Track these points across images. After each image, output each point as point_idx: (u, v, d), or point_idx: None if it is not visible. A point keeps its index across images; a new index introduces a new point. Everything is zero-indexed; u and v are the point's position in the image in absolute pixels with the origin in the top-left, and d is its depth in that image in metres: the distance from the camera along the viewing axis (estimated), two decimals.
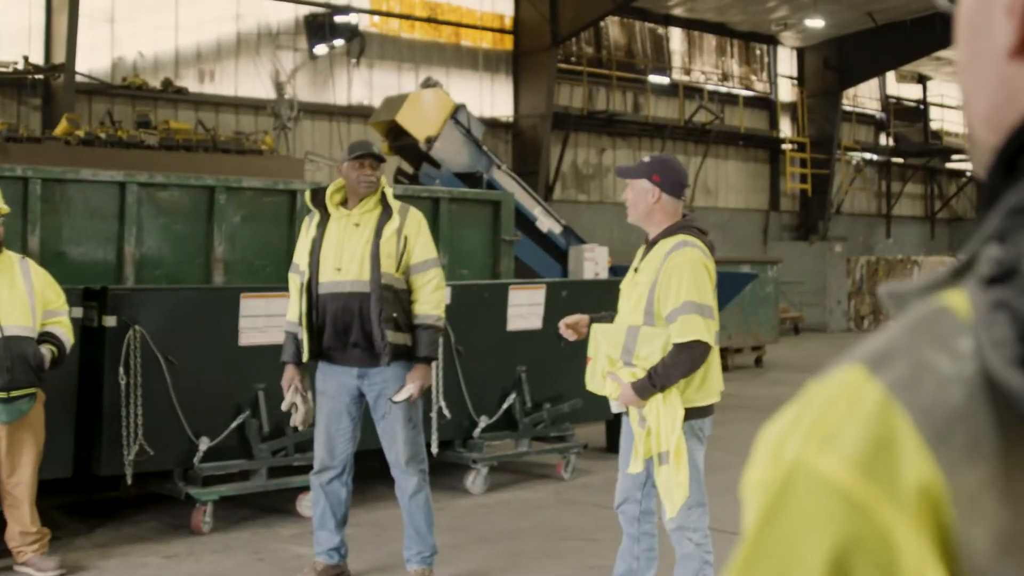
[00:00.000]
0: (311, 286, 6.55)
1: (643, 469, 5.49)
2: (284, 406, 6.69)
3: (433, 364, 6.92)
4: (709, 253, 5.54)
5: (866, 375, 0.82)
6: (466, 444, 9.59)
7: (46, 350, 6.87)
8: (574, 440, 10.26)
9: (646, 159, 5.77)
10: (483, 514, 8.74)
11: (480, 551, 7.67)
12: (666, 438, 5.29)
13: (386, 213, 6.57)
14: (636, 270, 5.59)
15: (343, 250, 6.49)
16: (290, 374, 6.67)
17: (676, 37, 33.15)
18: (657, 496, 5.62)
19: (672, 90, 32.40)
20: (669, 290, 5.32)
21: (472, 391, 9.36)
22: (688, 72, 33.45)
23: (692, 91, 32.84)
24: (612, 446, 11.32)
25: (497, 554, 7.55)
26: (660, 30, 32.62)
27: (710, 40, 34.12)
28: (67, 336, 7.06)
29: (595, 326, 5.68)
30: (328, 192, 6.67)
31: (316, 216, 6.68)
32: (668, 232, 5.52)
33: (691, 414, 5.41)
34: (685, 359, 5.28)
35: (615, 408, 5.62)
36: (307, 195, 6.79)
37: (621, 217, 23.17)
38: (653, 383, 5.28)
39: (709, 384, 5.50)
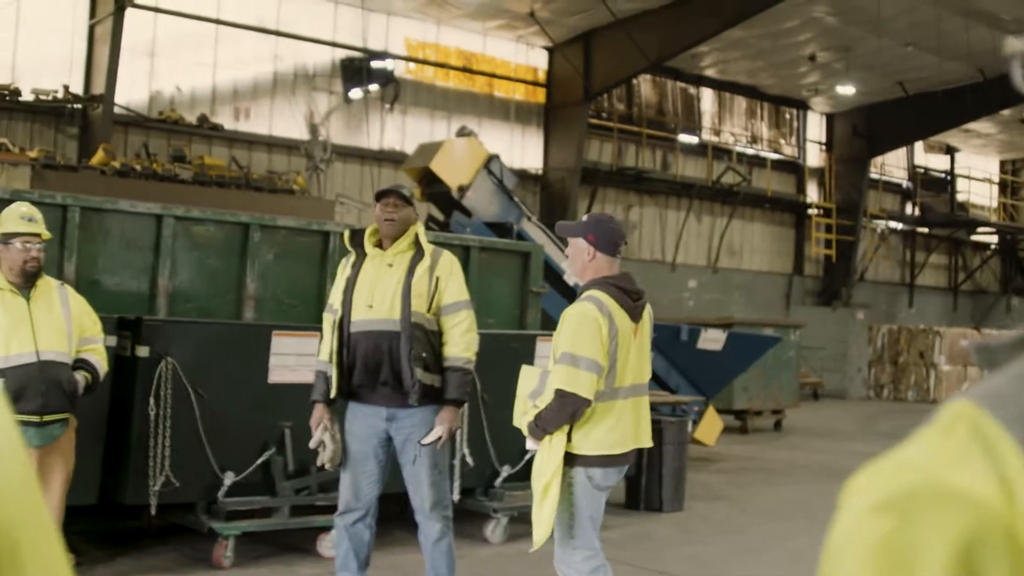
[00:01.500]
0: (343, 324, 6.60)
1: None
2: (312, 444, 6.71)
3: (461, 408, 6.92)
4: (617, 309, 5.71)
5: (979, 410, 0.88)
6: (487, 493, 9.60)
7: (80, 376, 6.94)
8: None
9: (584, 218, 6.03)
10: (502, 563, 8.75)
11: None
12: (540, 476, 5.62)
13: (419, 254, 6.63)
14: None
15: (375, 288, 6.54)
16: (319, 413, 6.70)
17: (707, 97, 33.32)
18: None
19: (701, 150, 32.53)
20: (557, 340, 5.68)
21: (496, 440, 9.39)
22: (718, 133, 33.59)
23: (721, 152, 32.96)
24: (631, 502, 11.34)
25: None
26: (692, 90, 32.80)
27: (741, 102, 34.27)
28: (101, 364, 7.12)
29: (522, 369, 6.11)
30: (366, 233, 6.74)
31: (352, 256, 6.75)
32: (586, 287, 5.83)
33: (581, 461, 5.65)
34: (557, 407, 5.55)
35: (529, 445, 5.88)
36: (346, 235, 6.85)
37: (645, 273, 23.37)
38: (537, 425, 5.63)
39: (603, 435, 5.67)
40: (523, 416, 5.82)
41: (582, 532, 5.73)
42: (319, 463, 6.77)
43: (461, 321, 6.60)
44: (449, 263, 6.67)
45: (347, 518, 6.75)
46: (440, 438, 6.48)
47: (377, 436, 6.63)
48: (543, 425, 5.58)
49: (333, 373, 6.62)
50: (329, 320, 6.72)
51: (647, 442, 5.94)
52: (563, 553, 5.76)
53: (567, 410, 5.54)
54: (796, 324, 21.98)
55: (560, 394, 5.53)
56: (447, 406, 6.52)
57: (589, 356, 5.55)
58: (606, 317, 5.65)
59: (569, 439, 5.63)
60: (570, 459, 5.61)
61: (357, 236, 6.78)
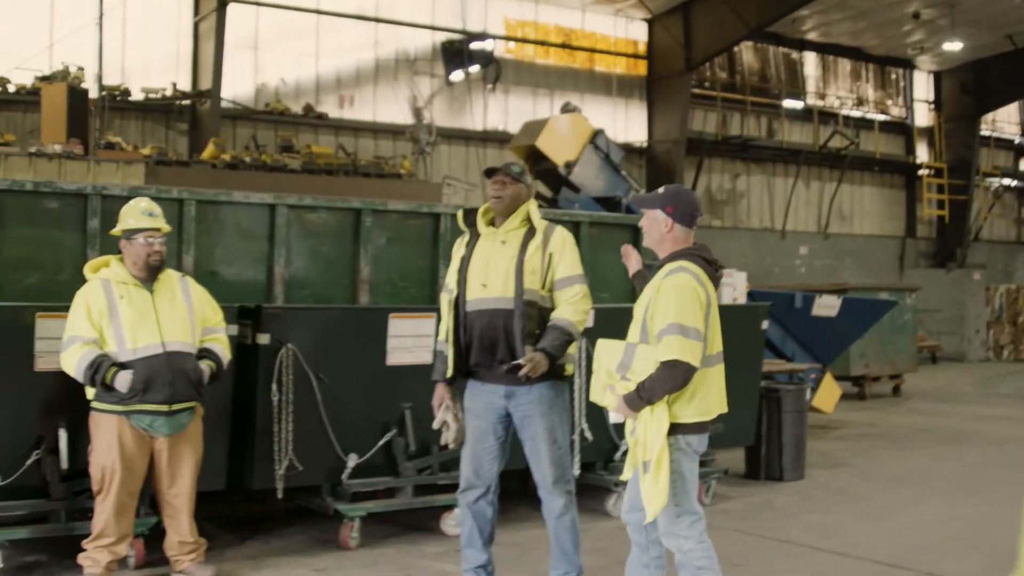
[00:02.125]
0: (459, 304, 6.65)
1: (631, 477, 5.86)
2: (436, 424, 6.76)
3: (568, 374, 6.74)
4: (707, 280, 5.83)
5: None
6: (607, 467, 9.61)
7: (205, 366, 7.09)
8: (715, 465, 10.22)
9: (661, 190, 6.07)
10: (624, 537, 8.68)
11: (622, 573, 7.69)
12: (650, 448, 5.61)
13: (531, 231, 6.65)
14: (641, 291, 5.97)
15: (489, 267, 6.56)
16: (440, 392, 6.75)
17: (810, 61, 32.88)
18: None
19: (806, 115, 32.13)
20: (658, 311, 5.66)
21: None
22: (823, 97, 33.15)
23: (827, 116, 32.53)
24: (751, 471, 11.28)
25: None
26: (794, 55, 32.39)
27: (845, 64, 33.77)
28: (224, 353, 7.27)
29: (599, 342, 6.05)
30: (479, 212, 6.78)
31: (466, 236, 6.78)
32: (671, 258, 5.86)
33: (681, 429, 5.70)
34: (667, 376, 5.58)
35: (612, 419, 5.94)
36: (459, 215, 6.89)
37: (756, 242, 23.18)
38: (640, 396, 5.62)
39: (698, 403, 5.75)
40: (606, 389, 5.83)
41: (686, 499, 5.78)
42: (443, 443, 6.83)
43: (575, 294, 6.59)
44: (562, 239, 6.67)
45: (469, 495, 6.81)
46: (523, 368, 6.41)
47: (496, 413, 6.67)
48: (647, 395, 5.60)
49: (450, 352, 6.67)
50: (446, 300, 6.77)
51: (725, 407, 5.98)
52: (668, 523, 5.77)
53: (677, 379, 5.59)
54: (911, 287, 21.63)
55: (671, 363, 5.56)
56: (540, 352, 6.46)
57: (694, 325, 5.62)
58: (702, 287, 5.74)
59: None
60: (672, 428, 5.66)
61: (470, 215, 6.82)
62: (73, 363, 6.79)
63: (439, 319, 6.90)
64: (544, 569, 6.98)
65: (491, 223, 6.74)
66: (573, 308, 6.57)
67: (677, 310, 5.60)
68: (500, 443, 6.75)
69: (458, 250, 6.79)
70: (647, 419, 5.63)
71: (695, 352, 5.61)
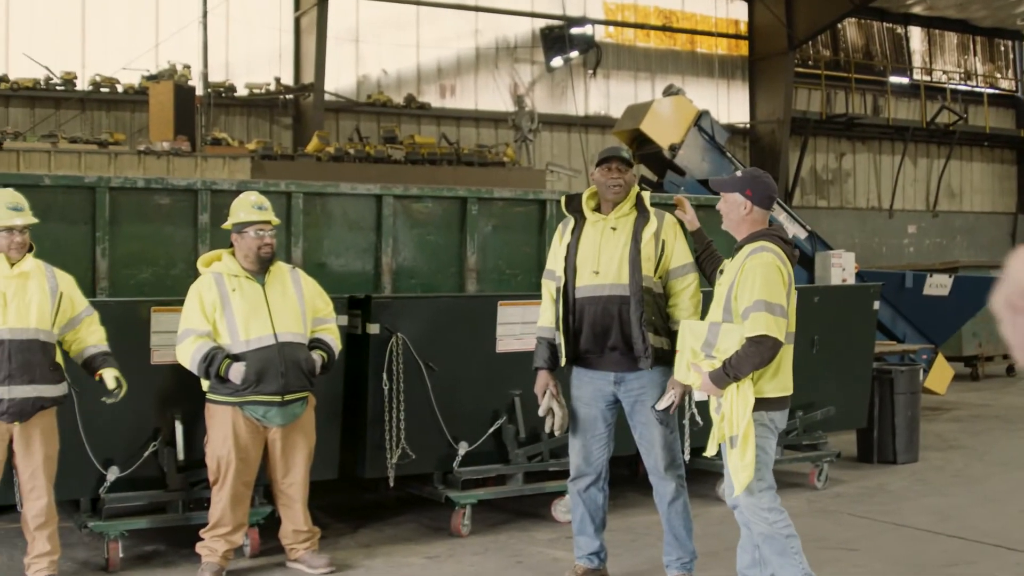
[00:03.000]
0: (567, 290, 6.62)
1: (715, 453, 5.95)
2: (541, 412, 6.76)
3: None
4: (786, 259, 5.89)
5: None
6: (719, 452, 9.53)
7: (317, 356, 7.16)
8: (827, 449, 10.09)
9: (739, 173, 6.16)
10: (736, 522, 8.67)
11: (735, 559, 7.63)
12: (736, 423, 5.70)
13: (643, 217, 6.59)
14: (722, 272, 6.04)
15: (601, 253, 6.53)
16: (544, 379, 6.73)
17: (916, 36, 32.32)
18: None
19: (913, 91, 31.59)
20: (744, 290, 5.73)
21: None
22: (929, 72, 32.56)
23: (934, 91, 31.94)
24: (864, 455, 11.13)
25: None
26: (899, 29, 31.86)
27: (951, 38, 33.14)
28: (335, 343, 7.33)
29: (683, 322, 6.19)
30: (584, 197, 6.74)
31: (571, 222, 6.73)
32: (750, 238, 5.92)
33: (763, 404, 5.79)
34: (754, 352, 5.67)
35: (697, 396, 6.04)
36: (562, 201, 6.86)
37: (863, 222, 22.84)
38: (727, 373, 5.70)
39: (780, 379, 5.86)
40: (691, 368, 5.89)
41: (767, 473, 5.88)
42: (547, 430, 6.83)
43: (689, 285, 6.56)
44: (673, 226, 6.64)
45: (580, 483, 6.80)
46: (673, 403, 6.45)
47: (605, 400, 6.65)
48: (735, 372, 5.66)
49: (560, 340, 6.65)
50: (550, 287, 6.75)
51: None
52: (749, 499, 5.83)
53: (765, 355, 5.67)
54: None
55: (759, 339, 5.63)
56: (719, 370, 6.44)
57: (779, 302, 5.71)
58: (784, 266, 5.82)
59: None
60: (755, 404, 5.73)
61: (574, 201, 6.78)
62: (188, 356, 6.91)
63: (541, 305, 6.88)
64: (656, 554, 6.95)
65: (596, 209, 6.70)
66: (693, 306, 6.58)
67: (763, 287, 5.67)
68: (609, 430, 6.74)
69: (562, 236, 6.74)
70: (733, 395, 5.71)
71: (781, 328, 5.70)
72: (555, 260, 6.76)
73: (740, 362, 5.65)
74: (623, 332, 6.46)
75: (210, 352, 6.86)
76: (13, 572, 6.96)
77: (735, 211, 5.94)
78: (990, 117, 32.98)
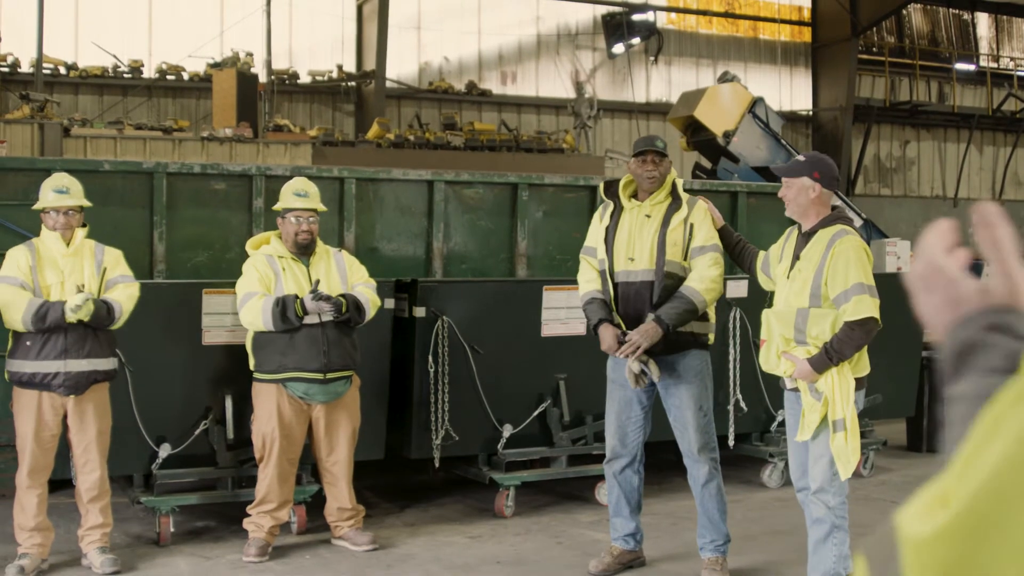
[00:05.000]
0: (606, 276, 6.73)
1: (811, 438, 5.89)
2: (635, 368, 6.58)
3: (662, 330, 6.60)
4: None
5: None
6: (763, 437, 9.60)
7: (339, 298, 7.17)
8: (873, 437, 10.09)
9: (801, 158, 6.23)
10: (778, 508, 8.75)
11: (774, 544, 7.70)
12: (841, 407, 5.74)
13: (675, 204, 6.69)
14: (798, 258, 5.96)
15: (635, 240, 6.64)
16: (611, 331, 6.61)
17: (983, 22, 31.92)
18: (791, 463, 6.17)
19: (979, 78, 31.21)
20: (837, 274, 5.75)
21: (769, 384, 9.34)
22: (996, 58, 32.15)
23: (1001, 78, 31.52)
24: (912, 444, 11.11)
25: (791, 547, 7.52)
26: (966, 15, 31.49)
27: (1020, 24, 32.68)
28: (366, 298, 7.28)
29: (766, 312, 6.15)
30: (621, 185, 6.84)
31: (610, 207, 6.85)
32: (826, 222, 5.95)
33: (857, 384, 5.87)
34: (859, 335, 5.71)
35: (790, 385, 6.01)
36: (600, 187, 6.99)
37: (926, 210, 22.61)
38: (829, 357, 5.72)
39: (863, 359, 5.91)
40: (781, 356, 5.90)
41: None
42: (647, 383, 6.69)
43: (707, 263, 6.60)
44: (702, 210, 6.73)
45: (615, 465, 6.91)
46: (634, 345, 6.43)
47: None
48: (838, 356, 5.70)
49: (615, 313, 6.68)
50: (591, 261, 6.82)
51: None
52: (826, 479, 5.87)
53: (869, 336, 5.76)
54: None
55: (864, 321, 5.68)
56: (652, 322, 6.48)
57: (873, 284, 5.78)
58: (869, 248, 5.91)
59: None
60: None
61: (612, 187, 6.89)
62: (257, 312, 7.02)
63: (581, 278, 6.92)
64: (694, 538, 7.03)
65: (633, 195, 6.81)
66: (700, 276, 6.59)
67: (858, 270, 5.74)
68: (645, 412, 6.83)
69: (600, 220, 6.85)
70: (835, 379, 5.76)
71: (878, 309, 5.76)
72: (595, 240, 6.85)
73: (843, 346, 5.69)
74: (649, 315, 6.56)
75: (279, 299, 7.00)
76: (69, 544, 7.19)
77: (803, 195, 5.96)
78: None
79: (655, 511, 8.22)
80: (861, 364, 5.88)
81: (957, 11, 31.21)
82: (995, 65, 31.94)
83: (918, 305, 1.29)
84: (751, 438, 9.59)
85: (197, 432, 7.53)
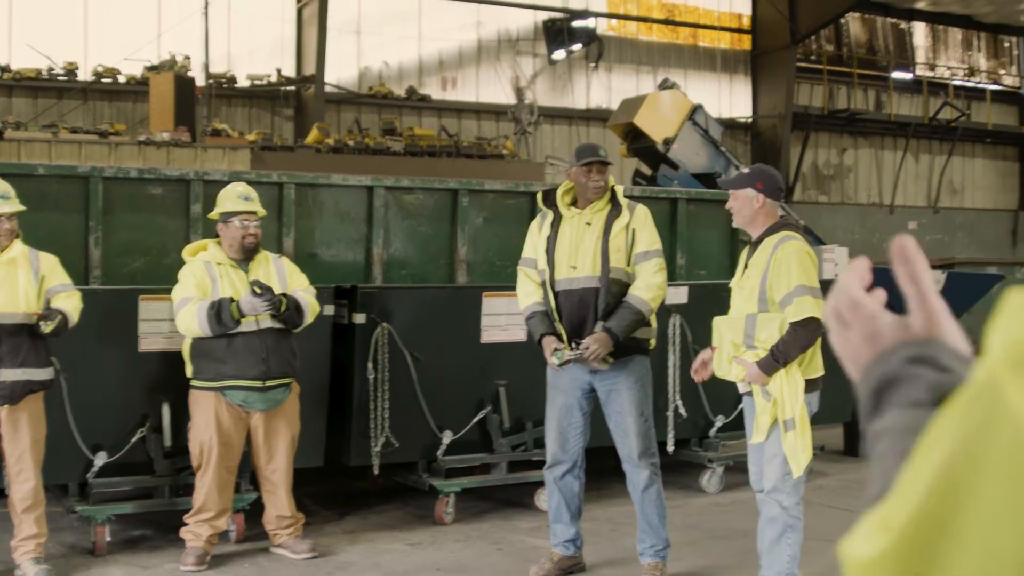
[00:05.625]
0: (547, 285, 6.73)
1: (765, 439, 5.95)
2: (558, 363, 6.60)
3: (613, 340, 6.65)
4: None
5: None
6: (702, 443, 9.64)
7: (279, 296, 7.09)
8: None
9: (746, 170, 6.39)
10: (717, 513, 8.79)
11: (714, 548, 7.74)
12: (790, 407, 5.81)
13: (615, 210, 6.71)
14: (746, 266, 6.08)
15: (577, 249, 6.65)
16: (551, 341, 6.63)
17: (920, 32, 32.33)
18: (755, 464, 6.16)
19: (916, 87, 31.61)
20: (780, 278, 5.86)
21: (708, 390, 9.38)
22: (932, 68, 32.58)
23: (937, 87, 31.96)
24: (849, 448, 11.21)
25: (731, 552, 7.58)
26: (903, 25, 31.87)
27: (955, 34, 33.14)
28: (304, 299, 7.22)
29: (717, 319, 6.23)
30: (559, 193, 6.84)
31: (549, 216, 6.84)
32: (771, 231, 6.04)
33: (809, 385, 5.91)
34: (803, 335, 5.79)
35: (742, 388, 6.10)
36: (539, 196, 6.99)
37: (863, 218, 22.86)
38: (776, 359, 5.81)
39: (815, 361, 5.95)
40: (732, 362, 5.98)
41: None
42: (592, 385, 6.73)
43: (651, 269, 6.63)
44: (643, 215, 6.75)
45: (556, 471, 6.91)
46: (590, 352, 6.46)
47: (581, 388, 6.76)
48: (784, 357, 5.78)
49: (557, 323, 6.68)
50: (529, 272, 6.82)
51: None
52: (780, 479, 5.93)
53: (812, 337, 5.81)
54: (1022, 262, 21.23)
55: (805, 322, 5.75)
56: (603, 332, 6.50)
57: (816, 285, 5.85)
58: (812, 251, 6.01)
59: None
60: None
61: (550, 196, 6.89)
62: (192, 317, 6.93)
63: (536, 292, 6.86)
64: (634, 543, 7.04)
65: (572, 203, 6.81)
66: (646, 284, 6.62)
67: (800, 272, 5.83)
68: (585, 418, 6.85)
69: (539, 229, 6.85)
70: (783, 380, 5.83)
71: (821, 310, 5.71)
72: (534, 250, 6.85)
73: (788, 347, 5.78)
74: (597, 323, 6.57)
75: (214, 302, 6.93)
76: (2, 554, 7.07)
77: (747, 206, 6.07)
78: (993, 114, 32.97)
79: (595, 516, 8.23)
80: (813, 365, 5.94)
81: (895, 20, 31.59)
82: (931, 74, 32.35)
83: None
84: (690, 443, 9.63)
85: (134, 440, 7.44)
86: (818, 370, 5.99)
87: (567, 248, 6.68)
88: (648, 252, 6.67)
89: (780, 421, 5.84)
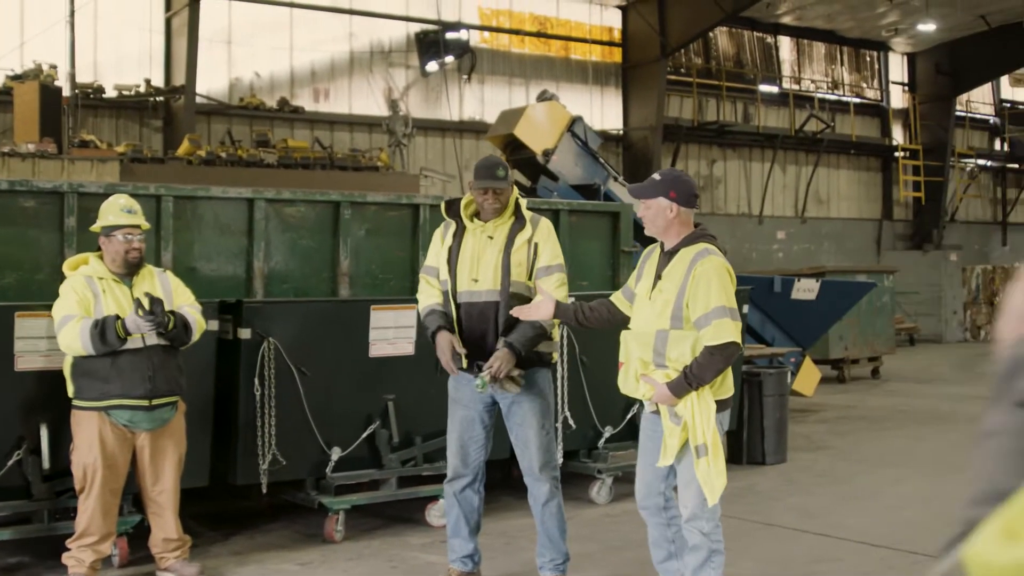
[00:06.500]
0: (448, 296, 6.64)
1: (674, 462, 5.78)
2: (452, 365, 6.55)
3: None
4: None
5: None
6: (591, 454, 9.63)
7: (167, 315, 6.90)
8: None
9: (657, 177, 6.02)
10: (610, 523, 8.78)
11: (610, 559, 7.72)
12: (703, 432, 5.62)
13: (519, 223, 6.65)
14: (660, 277, 5.85)
15: (479, 262, 6.57)
16: (447, 338, 6.54)
17: (785, 46, 32.94)
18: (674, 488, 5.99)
19: (782, 99, 32.19)
20: (698, 296, 5.64)
21: (596, 401, 9.39)
22: (798, 81, 33.20)
23: (802, 100, 32.58)
24: (733, 456, 11.30)
25: (627, 562, 7.57)
26: (769, 39, 32.44)
27: (820, 48, 33.84)
28: (193, 317, 7.05)
29: (624, 333, 6.02)
30: (462, 203, 6.75)
31: (452, 226, 6.75)
32: (688, 241, 5.85)
33: (720, 406, 5.77)
34: (719, 359, 5.61)
35: (649, 408, 5.93)
36: (442, 206, 6.85)
37: (733, 228, 23.22)
38: (688, 382, 5.61)
39: (727, 381, 5.80)
40: (639, 379, 5.78)
41: None
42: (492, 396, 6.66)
43: (553, 284, 6.55)
44: (547, 229, 6.70)
45: (456, 485, 6.82)
46: (492, 369, 6.39)
47: (483, 401, 6.69)
48: (697, 380, 5.58)
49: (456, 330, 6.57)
50: (432, 282, 6.70)
51: None
52: (699, 507, 5.75)
53: (729, 361, 5.65)
54: (889, 269, 21.72)
55: (725, 346, 5.58)
56: (505, 348, 6.43)
57: (735, 306, 5.69)
58: (730, 268, 5.82)
59: None
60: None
61: (454, 206, 6.79)
62: (75, 335, 6.69)
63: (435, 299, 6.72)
64: (531, 557, 6.99)
65: (475, 214, 6.73)
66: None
67: (719, 292, 5.62)
68: (487, 431, 6.78)
69: (442, 239, 6.75)
70: (694, 403, 5.63)
71: (740, 332, 5.69)
72: (437, 259, 6.74)
73: (703, 370, 5.57)
74: (498, 335, 6.50)
75: (98, 320, 6.70)
76: None
77: (661, 216, 5.84)
78: (856, 126, 33.72)
79: (487, 530, 8.10)
80: (725, 386, 5.77)
81: (761, 35, 32.12)
82: (797, 87, 32.96)
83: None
84: (579, 455, 9.61)
85: (10, 463, 7.15)
86: (729, 390, 5.82)
87: (469, 260, 6.59)
88: (550, 267, 6.61)
89: (692, 447, 5.65)
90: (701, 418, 5.62)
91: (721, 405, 5.76)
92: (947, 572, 0.92)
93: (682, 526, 5.89)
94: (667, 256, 5.89)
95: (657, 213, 5.87)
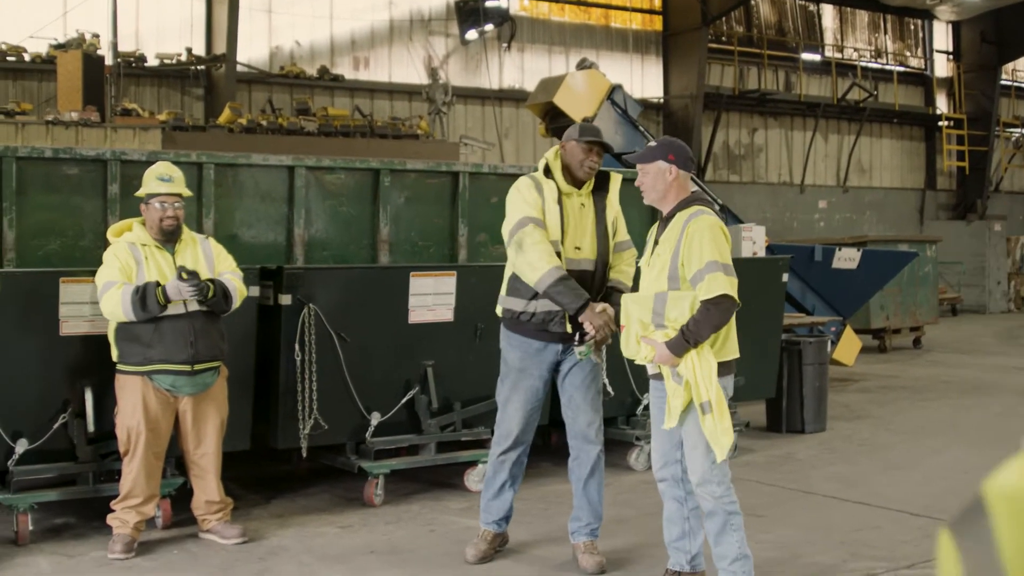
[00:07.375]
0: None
1: (677, 426, 5.76)
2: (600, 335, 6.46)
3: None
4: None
5: None
6: (629, 421, 9.66)
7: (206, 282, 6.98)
8: (736, 418, 10.21)
9: (653, 143, 6.11)
10: (646, 490, 8.78)
11: (646, 525, 7.74)
12: (705, 389, 5.59)
13: (601, 191, 6.69)
14: (657, 242, 5.91)
15: (578, 230, 6.57)
16: (593, 307, 6.41)
17: (828, 14, 32.69)
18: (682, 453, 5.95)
19: (824, 68, 31.97)
20: (691, 254, 5.67)
21: (635, 369, 9.39)
22: (841, 49, 32.95)
23: (845, 68, 32.33)
24: (772, 424, 11.31)
25: (662, 529, 7.59)
26: (811, 7, 32.20)
27: (863, 16, 33.56)
28: (234, 285, 7.12)
29: (624, 297, 6.06)
30: (554, 167, 6.64)
31: (555, 191, 6.59)
32: (683, 205, 5.89)
33: (724, 368, 5.74)
34: (715, 314, 5.60)
35: (651, 371, 5.92)
36: (540, 167, 6.66)
37: (775, 197, 23.06)
38: (686, 339, 5.60)
39: (730, 342, 5.82)
40: (640, 342, 5.77)
41: None
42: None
43: (629, 260, 6.73)
44: (618, 202, 6.78)
45: (514, 453, 6.82)
46: (598, 335, 6.40)
47: (549, 370, 6.72)
48: (694, 337, 5.57)
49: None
50: (541, 237, 6.42)
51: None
52: (706, 469, 5.75)
53: (725, 315, 5.64)
54: (932, 239, 21.57)
55: (718, 300, 5.57)
56: (607, 315, 6.39)
57: (729, 262, 5.68)
58: (725, 227, 5.83)
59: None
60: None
61: (547, 171, 6.70)
62: (116, 301, 6.77)
63: (543, 258, 6.38)
64: (564, 522, 7.01)
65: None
66: (627, 273, 6.72)
67: (712, 248, 5.63)
68: (547, 397, 6.94)
69: (547, 201, 6.55)
70: (695, 362, 5.61)
71: (735, 287, 5.66)
72: (541, 213, 6.50)
73: (699, 326, 5.57)
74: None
75: (139, 287, 6.78)
76: None
77: (660, 179, 5.87)
78: (899, 94, 33.46)
79: (526, 496, 8.19)
80: (727, 347, 5.77)
81: (803, 3, 31.90)
82: (839, 55, 32.73)
83: None
84: (617, 422, 9.64)
85: (56, 426, 7.26)
86: (732, 352, 5.82)
87: (571, 229, 6.58)
88: (627, 241, 6.79)
89: (696, 404, 5.63)
90: (703, 375, 5.60)
91: (724, 368, 5.73)
92: (968, 508, 0.94)
93: (694, 491, 5.87)
94: (664, 222, 5.94)
95: (656, 176, 5.90)
